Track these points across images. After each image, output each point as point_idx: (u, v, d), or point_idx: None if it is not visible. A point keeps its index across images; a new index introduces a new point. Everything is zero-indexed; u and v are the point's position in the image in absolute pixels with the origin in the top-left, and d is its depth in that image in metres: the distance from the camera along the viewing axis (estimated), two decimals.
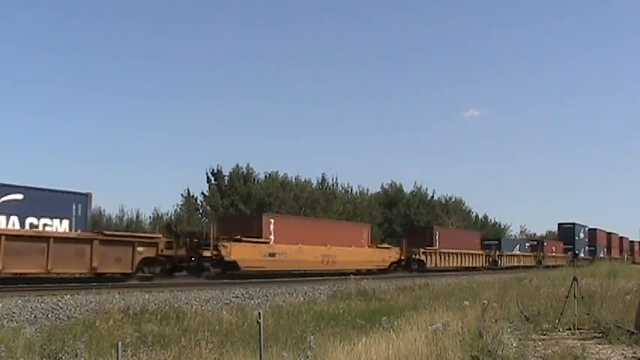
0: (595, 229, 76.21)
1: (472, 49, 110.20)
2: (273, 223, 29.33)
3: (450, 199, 68.57)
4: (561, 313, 13.25)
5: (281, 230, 29.39)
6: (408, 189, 64.29)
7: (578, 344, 10.36)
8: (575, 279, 13.69)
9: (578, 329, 12.81)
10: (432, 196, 65.60)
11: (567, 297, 13.73)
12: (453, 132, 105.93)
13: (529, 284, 24.67)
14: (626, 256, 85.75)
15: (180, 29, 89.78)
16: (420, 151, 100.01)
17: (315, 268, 30.73)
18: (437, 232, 43.52)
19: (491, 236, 59.68)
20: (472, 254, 47.40)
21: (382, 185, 64.48)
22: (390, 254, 37.39)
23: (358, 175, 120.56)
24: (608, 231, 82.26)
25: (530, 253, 59.45)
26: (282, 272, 30.21)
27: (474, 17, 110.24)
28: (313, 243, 30.85)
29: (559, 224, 72.71)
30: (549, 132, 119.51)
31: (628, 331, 11.57)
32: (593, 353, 10.12)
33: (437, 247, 42.12)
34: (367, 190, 59.93)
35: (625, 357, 9.99)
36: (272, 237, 28.69)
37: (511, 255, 54.64)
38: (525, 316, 14.49)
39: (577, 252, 56.72)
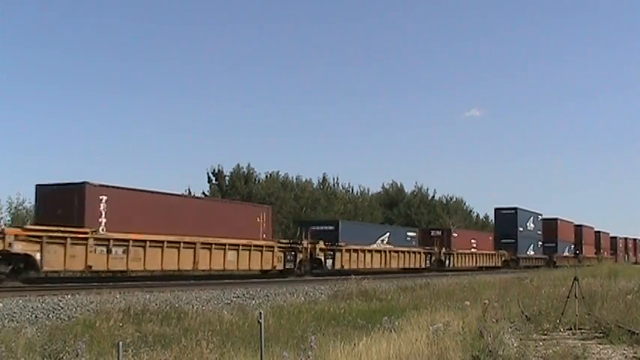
0: (556, 220, 61.46)
1: (473, 49, 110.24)
2: (106, 201, 21.33)
3: (451, 199, 68.62)
4: (562, 313, 13.24)
5: (120, 212, 21.48)
6: (408, 189, 64.38)
7: (579, 344, 10.37)
8: (576, 279, 13.68)
9: (579, 329, 12.80)
10: (433, 196, 65.67)
11: (568, 297, 13.72)
12: (453, 132, 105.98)
13: (530, 284, 24.65)
14: (602, 255, 71.65)
15: (181, 29, 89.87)
16: (421, 152, 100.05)
17: (185, 269, 24.68)
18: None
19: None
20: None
21: (383, 185, 64.55)
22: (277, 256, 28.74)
23: (359, 175, 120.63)
24: (578, 223, 68.33)
25: (418, 249, 41.62)
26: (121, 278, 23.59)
27: (475, 17, 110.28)
28: (174, 232, 23.32)
29: (496, 210, 56.48)
30: (549, 132, 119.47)
31: (629, 331, 11.57)
32: (594, 353, 10.12)
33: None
34: (368, 190, 60.04)
35: (626, 357, 9.98)
36: (103, 221, 21.08)
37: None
38: (526, 316, 14.48)
39: (516, 248, 51.77)
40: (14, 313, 13.37)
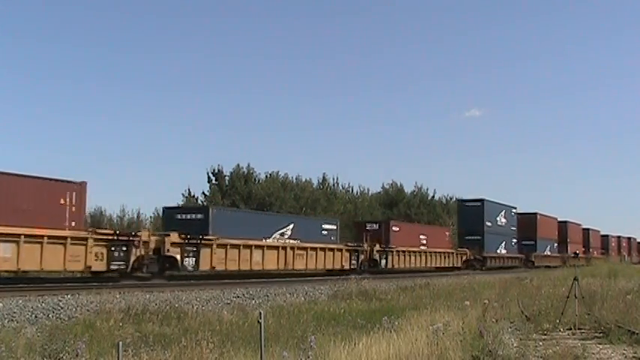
0: (535, 214, 55.06)
1: (473, 49, 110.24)
2: None
3: (451, 198, 68.52)
4: (562, 313, 13.25)
5: None
6: (408, 189, 64.25)
7: (579, 344, 10.37)
8: (575, 279, 13.69)
9: (578, 329, 12.81)
10: (433, 196, 65.55)
11: (568, 297, 13.73)
12: (453, 132, 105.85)
13: (530, 284, 24.69)
14: (592, 255, 64.95)
15: (181, 28, 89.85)
16: (421, 151, 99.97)
17: None
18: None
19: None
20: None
21: (383, 185, 64.45)
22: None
23: (359, 175, 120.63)
24: (562, 219, 61.61)
25: (337, 245, 33.56)
26: None
27: (475, 18, 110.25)
28: None
29: (458, 202, 51.27)
30: (550, 132, 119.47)
31: (629, 330, 11.57)
32: (593, 353, 10.13)
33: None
34: (368, 189, 59.98)
35: (626, 357, 9.99)
36: None
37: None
38: (526, 316, 14.49)
39: (482, 246, 45.48)
40: (14, 313, 13.39)
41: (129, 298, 15.26)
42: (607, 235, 76.92)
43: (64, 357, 8.27)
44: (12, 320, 12.59)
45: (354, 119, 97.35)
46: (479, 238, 45.91)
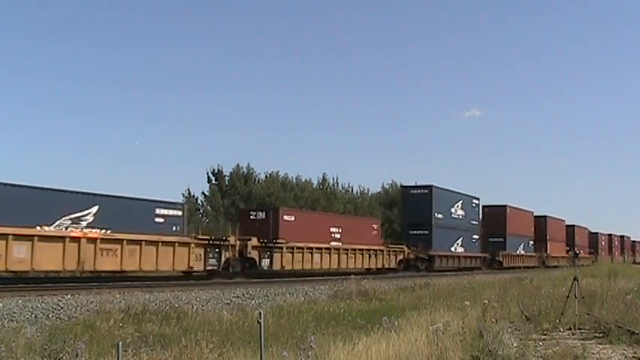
0: (504, 207, 48.20)
1: (473, 49, 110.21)
2: None
3: None
4: (562, 313, 13.24)
5: None
6: None
7: (579, 344, 10.36)
8: (575, 279, 13.68)
9: (578, 329, 12.80)
10: None
11: (568, 297, 13.72)
12: (454, 132, 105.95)
13: (530, 284, 24.71)
14: (576, 254, 58.91)
15: (181, 27, 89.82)
16: (421, 151, 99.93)
17: None
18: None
19: None
20: None
21: (383, 185, 64.43)
22: None
23: (359, 175, 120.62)
24: (541, 214, 54.79)
25: (180, 238, 24.83)
26: None
27: (475, 18, 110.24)
28: None
29: (402, 189, 43.65)
30: (550, 132, 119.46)
31: (629, 330, 11.57)
32: (593, 353, 10.12)
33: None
34: (368, 189, 59.95)
35: (626, 357, 9.98)
36: None
37: None
38: (526, 316, 14.49)
39: (430, 243, 37.95)
40: (14, 313, 13.38)
41: (129, 298, 15.25)
42: (596, 233, 70.87)
43: (64, 357, 8.27)
44: (12, 320, 12.59)
45: (354, 119, 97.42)
46: (426, 232, 38.35)
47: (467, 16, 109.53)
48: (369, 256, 34.84)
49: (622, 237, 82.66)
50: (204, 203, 48.96)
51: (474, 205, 45.62)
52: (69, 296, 16.20)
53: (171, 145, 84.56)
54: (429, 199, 39.14)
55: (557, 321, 13.06)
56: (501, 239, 47.65)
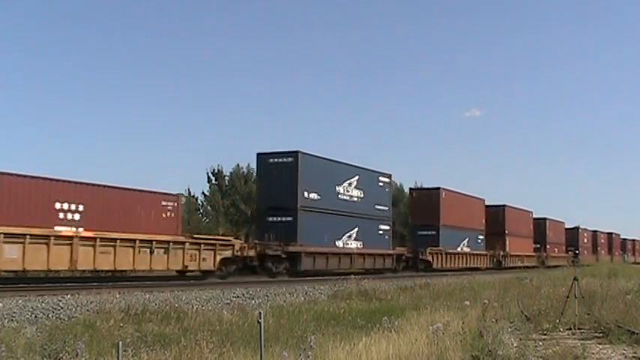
0: (437, 190, 38.62)
1: (473, 49, 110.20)
2: None
3: None
4: (562, 313, 13.24)
5: None
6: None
7: (579, 344, 10.35)
8: (575, 279, 13.68)
9: (578, 329, 12.80)
10: None
11: (568, 297, 13.72)
12: (454, 132, 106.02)
13: (530, 284, 24.73)
14: (548, 253, 51.40)
15: (180, 26, 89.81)
16: (422, 151, 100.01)
17: None
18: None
19: None
20: None
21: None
22: None
23: None
24: (495, 203, 45.61)
25: None
26: None
27: (475, 18, 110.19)
28: None
29: (258, 155, 29.89)
30: (549, 132, 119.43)
31: (629, 330, 11.57)
32: (593, 353, 10.11)
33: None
34: None
35: (626, 357, 9.98)
36: None
37: None
38: (526, 315, 14.49)
39: (294, 235, 27.51)
40: (14, 313, 13.38)
41: (129, 298, 15.25)
42: (576, 228, 62.01)
43: (64, 357, 8.26)
44: (12, 320, 12.58)
45: (355, 119, 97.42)
46: (289, 219, 28.01)
47: (467, 17, 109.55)
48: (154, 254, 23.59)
49: (610, 234, 75.54)
50: (204, 203, 48.97)
51: (381, 184, 34.71)
52: (69, 296, 16.19)
53: (171, 145, 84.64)
54: (294, 172, 28.18)
55: (557, 321, 13.05)
56: (433, 232, 37.84)
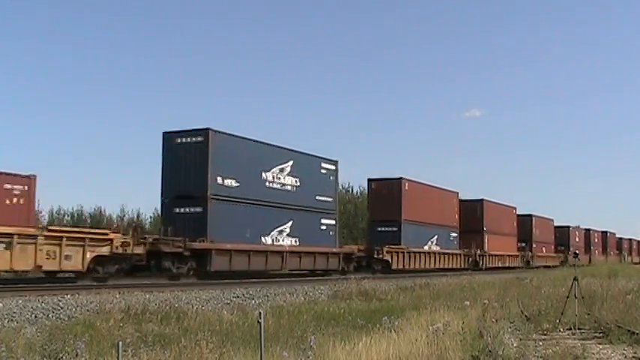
0: (399, 180, 34.03)
1: (473, 49, 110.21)
2: None
3: None
4: (562, 313, 13.24)
5: None
6: None
7: (579, 344, 10.36)
8: (575, 279, 13.69)
9: (578, 329, 12.80)
10: None
11: (568, 297, 13.73)
12: (454, 132, 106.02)
13: (530, 284, 24.74)
14: (534, 253, 47.73)
15: (179, 24, 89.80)
16: (421, 151, 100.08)
17: None
18: None
19: None
20: None
21: None
22: None
23: (359, 175, 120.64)
24: (470, 198, 41.52)
25: None
26: None
27: (475, 18, 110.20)
28: None
29: (165, 135, 24.84)
30: (549, 132, 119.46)
31: (629, 331, 11.57)
32: (593, 353, 10.12)
33: None
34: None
35: (626, 357, 9.98)
36: None
37: None
38: (526, 316, 14.49)
39: (201, 229, 22.55)
40: (14, 313, 13.38)
41: (128, 298, 15.25)
42: (566, 227, 57.74)
43: (64, 357, 8.27)
44: (12, 320, 12.58)
45: (355, 119, 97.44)
46: (198, 210, 23.82)
47: (467, 17, 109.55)
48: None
49: (604, 233, 71.23)
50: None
51: (323, 171, 29.63)
52: (69, 296, 16.18)
53: None
54: (204, 153, 23.85)
55: (557, 321, 13.06)
56: (394, 228, 33.44)
